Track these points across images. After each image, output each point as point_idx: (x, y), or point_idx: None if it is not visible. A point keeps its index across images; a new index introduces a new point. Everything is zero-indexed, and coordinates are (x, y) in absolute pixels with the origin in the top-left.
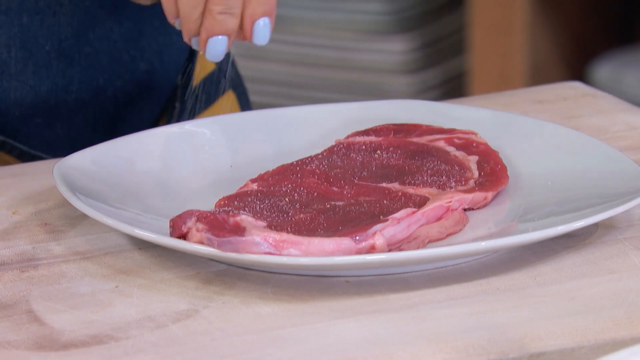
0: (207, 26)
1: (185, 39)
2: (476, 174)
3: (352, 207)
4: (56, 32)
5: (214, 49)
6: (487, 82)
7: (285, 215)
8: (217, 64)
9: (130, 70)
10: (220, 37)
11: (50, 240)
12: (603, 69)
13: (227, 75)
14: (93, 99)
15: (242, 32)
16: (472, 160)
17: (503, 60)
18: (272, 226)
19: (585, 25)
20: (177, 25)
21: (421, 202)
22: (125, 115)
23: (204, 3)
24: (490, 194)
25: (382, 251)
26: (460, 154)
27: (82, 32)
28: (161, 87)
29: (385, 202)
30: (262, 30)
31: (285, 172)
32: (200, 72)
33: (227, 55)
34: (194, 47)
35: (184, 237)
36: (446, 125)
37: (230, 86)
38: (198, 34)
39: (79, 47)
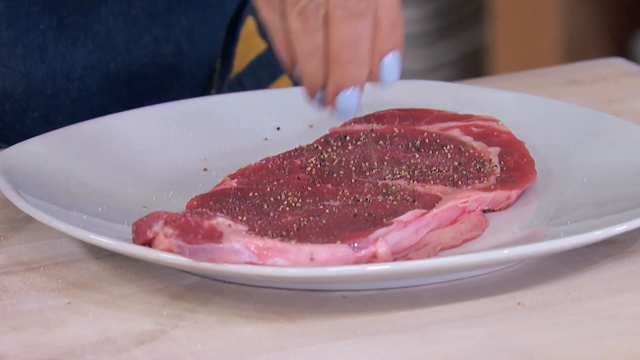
0: (335, 79)
1: (308, 95)
2: (498, 168)
3: (350, 209)
4: (55, 7)
5: (346, 104)
6: (511, 59)
7: (269, 218)
8: (269, 43)
9: (152, 53)
10: (351, 89)
11: None
12: None
13: None
14: (102, 88)
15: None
16: (492, 153)
17: (531, 32)
18: (255, 231)
19: None
20: (316, 103)
21: (432, 203)
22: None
23: (323, 48)
24: (514, 193)
25: (386, 260)
26: (478, 145)
27: (91, 7)
28: (191, 73)
29: (389, 202)
30: (391, 68)
31: (269, 167)
32: (246, 53)
33: None
34: (320, 105)
35: (149, 243)
36: (462, 110)
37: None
38: (323, 86)
39: (86, 25)
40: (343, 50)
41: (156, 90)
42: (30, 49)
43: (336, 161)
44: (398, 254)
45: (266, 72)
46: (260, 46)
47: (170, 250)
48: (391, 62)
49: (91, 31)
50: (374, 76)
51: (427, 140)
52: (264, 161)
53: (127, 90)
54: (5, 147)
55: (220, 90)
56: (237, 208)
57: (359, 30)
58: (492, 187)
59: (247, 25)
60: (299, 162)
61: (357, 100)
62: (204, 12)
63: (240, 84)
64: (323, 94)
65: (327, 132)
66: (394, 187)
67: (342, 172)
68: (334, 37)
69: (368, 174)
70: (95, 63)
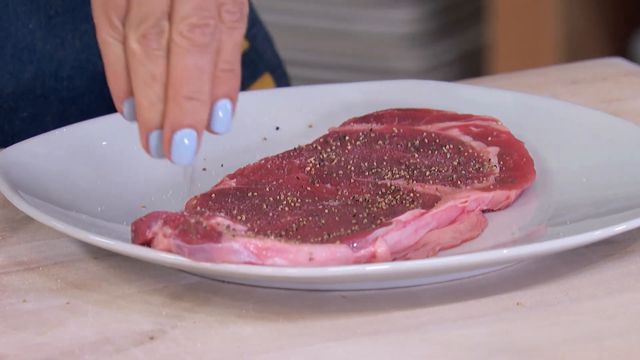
0: (172, 117)
1: (142, 137)
2: (497, 168)
3: (349, 208)
4: (43, 7)
5: (182, 147)
6: (511, 59)
7: (269, 218)
8: (251, 42)
9: None
10: (187, 130)
11: None
12: None
13: (263, 56)
14: (89, 88)
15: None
16: (492, 152)
17: (531, 32)
18: (254, 231)
19: None
20: (125, 113)
21: (431, 202)
22: None
23: (162, 78)
24: (513, 193)
25: (385, 260)
26: (478, 145)
27: (78, 6)
28: None
29: (388, 202)
30: (222, 115)
31: (269, 167)
32: None
33: (265, 33)
34: (152, 151)
35: (148, 243)
36: (461, 110)
37: (267, 69)
38: (159, 127)
39: (73, 24)
40: (184, 83)
41: None
42: (18, 48)
43: (335, 161)
44: (397, 254)
45: (248, 71)
46: (242, 45)
47: (169, 250)
48: (222, 110)
49: (79, 30)
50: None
51: (426, 140)
52: (263, 161)
53: None
54: None
55: None
56: (236, 208)
57: (201, 64)
58: (492, 187)
59: None
60: (298, 162)
61: (194, 145)
62: None
63: None
64: (158, 137)
65: (327, 132)
66: (393, 187)
67: (341, 172)
68: (175, 68)
69: (367, 173)
70: (83, 63)
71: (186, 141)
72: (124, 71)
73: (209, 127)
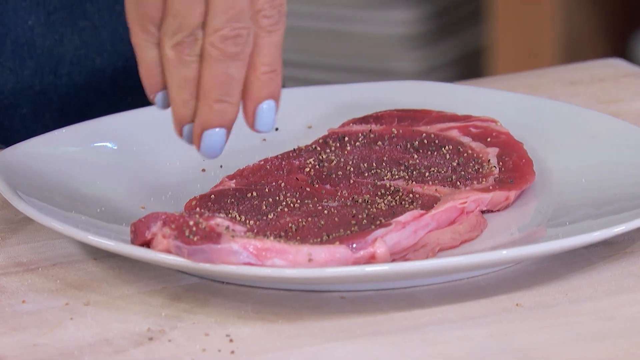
0: (202, 117)
1: (176, 127)
2: (496, 169)
3: (348, 209)
4: (42, 3)
5: (211, 143)
6: (510, 59)
7: (268, 219)
8: None
9: None
10: (217, 129)
11: None
12: None
13: None
14: (88, 84)
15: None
16: (491, 153)
17: (530, 33)
18: (253, 232)
19: None
20: (157, 102)
21: (430, 203)
22: (129, 103)
23: (194, 81)
24: (512, 193)
25: (384, 261)
26: (477, 146)
27: (77, 2)
28: None
29: (387, 202)
30: (265, 117)
31: (268, 168)
32: None
33: None
34: (186, 139)
35: (147, 244)
36: (461, 111)
37: None
38: (191, 121)
39: (72, 20)
40: (213, 88)
41: (139, 87)
42: (18, 44)
43: (334, 162)
44: (397, 255)
45: None
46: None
47: (168, 251)
48: (266, 110)
49: (77, 27)
50: (248, 122)
51: (425, 141)
52: (263, 162)
53: (111, 86)
54: None
55: None
56: (236, 209)
57: (231, 72)
58: (491, 187)
59: None
60: (297, 162)
61: (222, 141)
62: None
63: None
64: (190, 129)
65: (326, 133)
66: (392, 188)
67: (340, 172)
68: (206, 75)
69: (366, 174)
70: (82, 59)
71: (214, 139)
72: (157, 69)
73: (253, 126)
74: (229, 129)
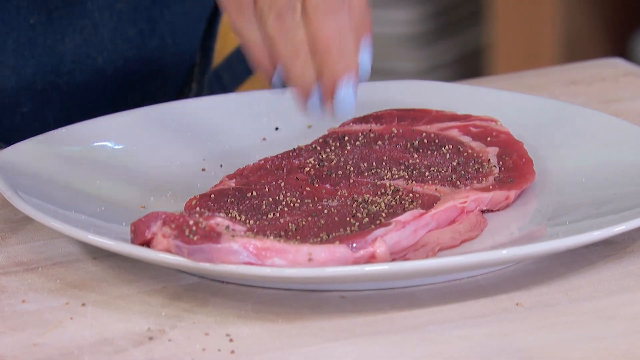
0: (329, 74)
1: (300, 101)
2: (496, 169)
3: (348, 209)
4: (43, 1)
5: (346, 98)
6: (510, 59)
7: (268, 218)
8: None
9: (137, 47)
10: (347, 81)
11: None
12: None
13: None
14: (89, 83)
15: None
16: (491, 153)
17: (530, 32)
18: (253, 231)
19: None
20: (274, 83)
21: (430, 203)
22: (129, 101)
23: (305, 45)
24: (512, 193)
25: (384, 261)
26: (477, 145)
27: (78, 1)
28: (174, 67)
29: (387, 202)
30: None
31: (268, 167)
32: (224, 48)
33: None
34: (315, 108)
35: (147, 244)
36: (461, 110)
37: None
38: (314, 89)
39: (73, 19)
40: (331, 44)
41: (139, 85)
42: (20, 43)
43: (334, 161)
44: (396, 254)
45: (243, 66)
46: (236, 40)
47: (168, 251)
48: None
49: (79, 25)
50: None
51: (425, 141)
52: (263, 161)
53: (112, 84)
54: None
55: (200, 84)
56: (236, 208)
57: (342, 21)
58: (491, 187)
59: (223, 19)
60: (297, 162)
61: (354, 93)
62: (186, 6)
63: (218, 78)
64: (317, 96)
65: (326, 133)
66: (392, 188)
67: (340, 172)
68: (319, 33)
69: (366, 174)
70: (83, 57)
71: (347, 91)
72: (265, 51)
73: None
74: (356, 79)
